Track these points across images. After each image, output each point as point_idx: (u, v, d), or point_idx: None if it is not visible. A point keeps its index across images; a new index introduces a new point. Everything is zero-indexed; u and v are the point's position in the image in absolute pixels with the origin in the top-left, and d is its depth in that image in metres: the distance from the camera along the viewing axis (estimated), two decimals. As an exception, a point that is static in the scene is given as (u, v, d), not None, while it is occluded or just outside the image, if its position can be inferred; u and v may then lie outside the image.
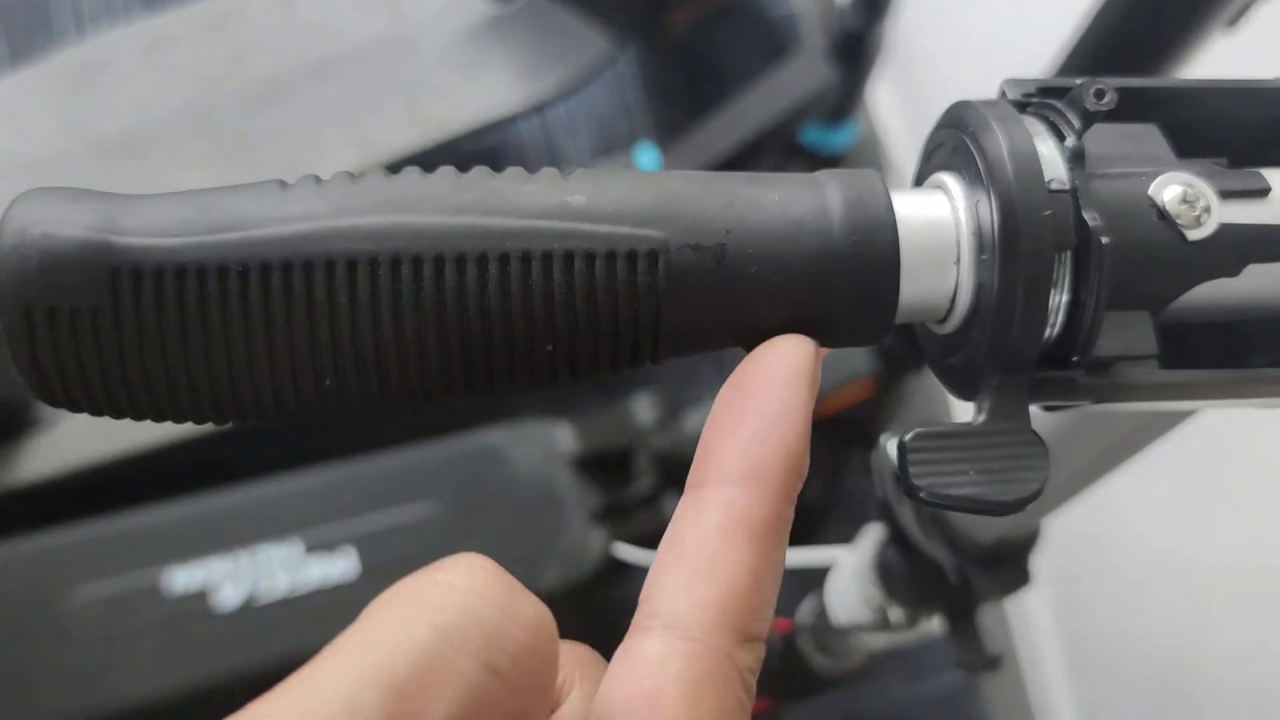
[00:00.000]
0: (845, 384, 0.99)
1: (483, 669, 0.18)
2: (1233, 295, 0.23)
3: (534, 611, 0.19)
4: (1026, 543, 0.48)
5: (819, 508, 1.13)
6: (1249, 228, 0.23)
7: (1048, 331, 0.23)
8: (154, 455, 0.93)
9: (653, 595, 0.21)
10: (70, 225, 0.21)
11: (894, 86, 1.30)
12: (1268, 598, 0.72)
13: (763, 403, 0.22)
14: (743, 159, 1.10)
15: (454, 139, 1.08)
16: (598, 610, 0.93)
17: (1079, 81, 0.23)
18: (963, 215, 0.23)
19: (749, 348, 0.23)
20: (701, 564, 0.21)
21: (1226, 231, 0.23)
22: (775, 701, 0.76)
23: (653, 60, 1.34)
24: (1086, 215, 0.22)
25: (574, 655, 0.22)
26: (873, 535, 0.55)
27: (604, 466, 0.94)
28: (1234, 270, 0.23)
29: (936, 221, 0.23)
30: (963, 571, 0.48)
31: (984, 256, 0.22)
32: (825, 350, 0.23)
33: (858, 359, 0.98)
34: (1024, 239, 0.22)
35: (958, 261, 0.23)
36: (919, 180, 0.26)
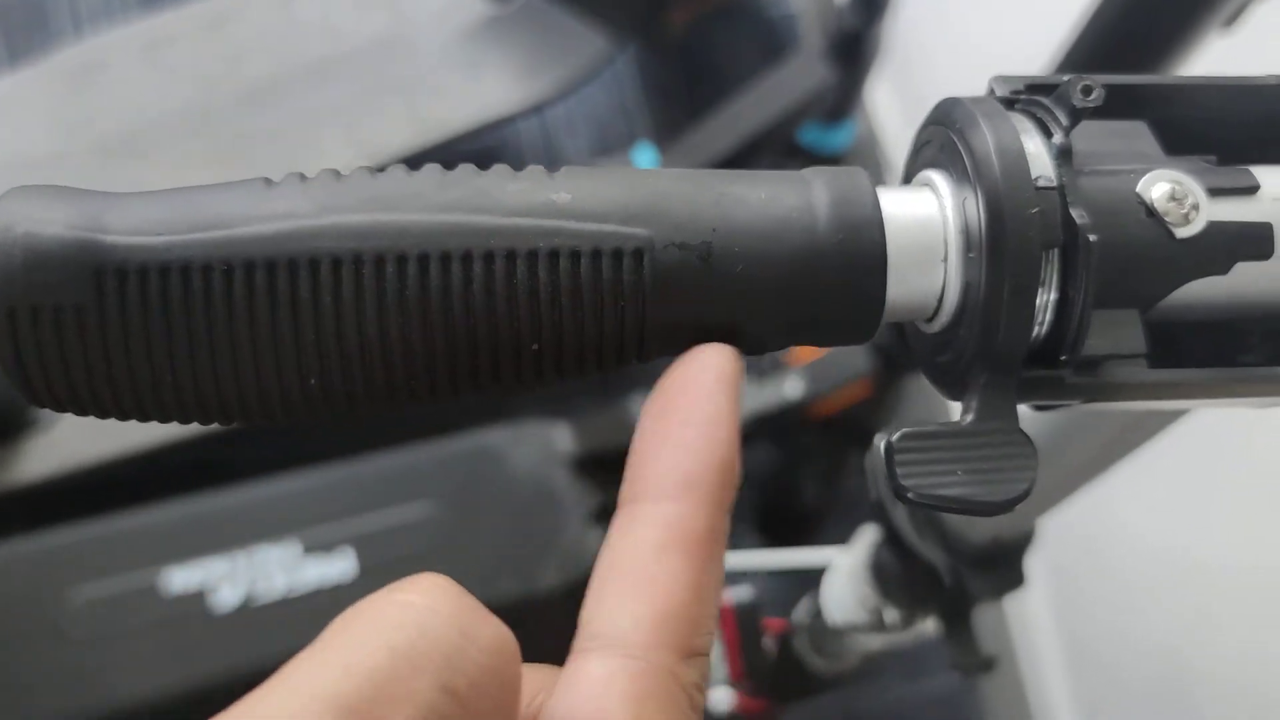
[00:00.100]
0: (843, 384, 0.99)
1: (439, 690, 0.17)
2: (1222, 293, 0.23)
3: (494, 633, 0.19)
4: (1021, 544, 0.48)
5: (817, 508, 1.13)
6: (1238, 225, 0.23)
7: (1035, 330, 0.22)
8: (151, 455, 0.93)
9: (592, 616, 0.21)
10: (54, 224, 0.20)
11: (892, 86, 1.30)
12: (1267, 597, 0.72)
13: (689, 414, 0.22)
14: (741, 159, 1.10)
15: (452, 139, 1.08)
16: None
17: (1066, 78, 0.23)
18: (950, 213, 0.23)
19: (737, 346, 0.23)
20: (638, 581, 0.20)
21: (1215, 229, 0.22)
22: (772, 702, 0.76)
23: (651, 60, 1.34)
24: (1074, 213, 0.22)
25: (545, 677, 0.22)
26: (868, 536, 0.55)
27: (602, 467, 0.94)
28: (1223, 268, 0.23)
29: (923, 219, 0.23)
30: (957, 572, 0.48)
31: (971, 254, 0.22)
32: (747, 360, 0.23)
33: (856, 359, 0.98)
34: (1011, 237, 0.21)
35: (945, 259, 0.23)
36: (907, 178, 0.26)
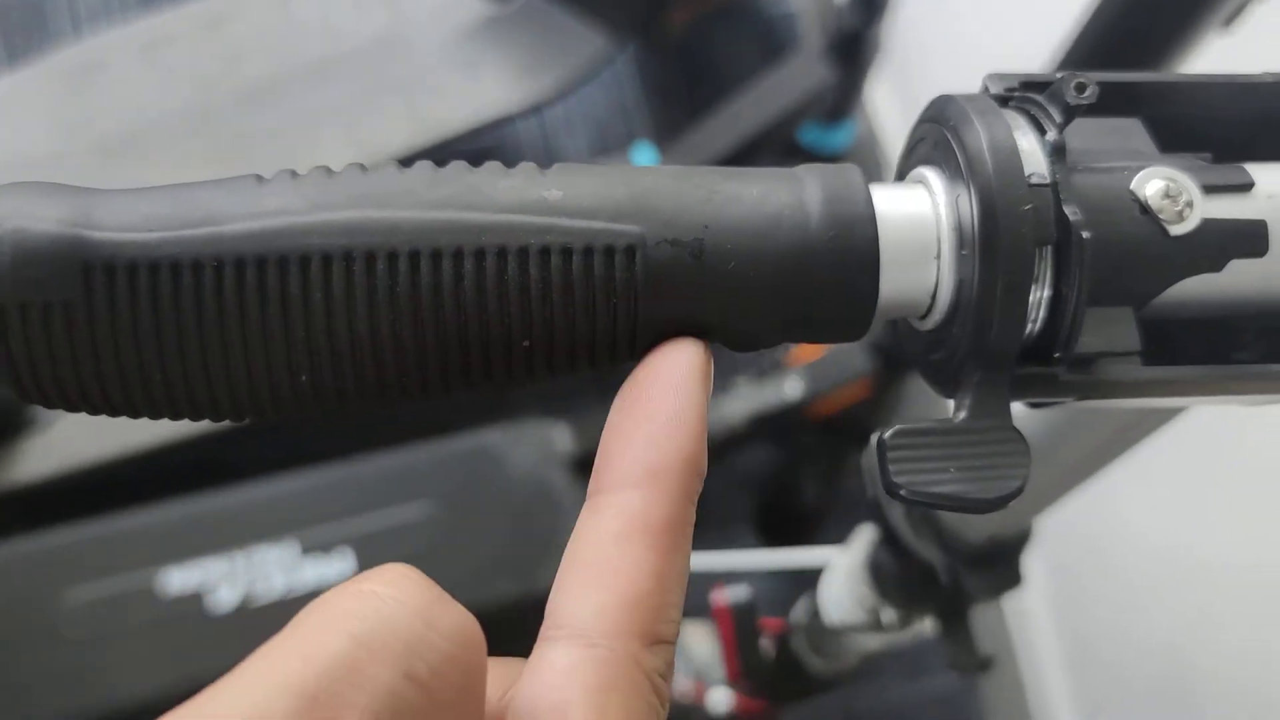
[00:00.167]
0: (843, 384, 0.99)
1: (401, 677, 0.17)
2: (1216, 291, 0.23)
3: (457, 621, 0.19)
4: (1018, 543, 0.48)
5: (817, 508, 1.13)
6: (1232, 223, 0.23)
7: (1029, 327, 0.22)
8: (149, 456, 0.93)
9: (556, 606, 0.21)
10: (43, 220, 0.20)
11: (892, 86, 1.30)
12: (1268, 595, 0.72)
13: (656, 407, 0.22)
14: (741, 159, 1.10)
15: (452, 139, 1.08)
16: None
17: (1060, 75, 0.23)
18: (943, 210, 0.23)
19: (728, 343, 0.23)
20: (600, 570, 0.20)
21: (1209, 226, 0.22)
22: (771, 702, 0.76)
23: (651, 60, 1.34)
24: (1067, 210, 0.22)
25: (518, 668, 0.22)
26: (865, 536, 0.55)
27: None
28: (1217, 265, 0.23)
29: (917, 216, 0.23)
30: (954, 572, 0.48)
31: (964, 252, 0.22)
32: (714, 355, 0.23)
33: (855, 359, 0.98)
34: (1004, 234, 0.21)
35: (938, 257, 0.23)
36: (900, 175, 0.26)
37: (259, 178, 0.22)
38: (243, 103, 1.08)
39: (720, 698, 0.77)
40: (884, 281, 0.23)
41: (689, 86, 1.33)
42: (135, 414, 0.22)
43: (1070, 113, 0.22)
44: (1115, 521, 0.88)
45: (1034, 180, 0.22)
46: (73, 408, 0.22)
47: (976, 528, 0.46)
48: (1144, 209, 0.22)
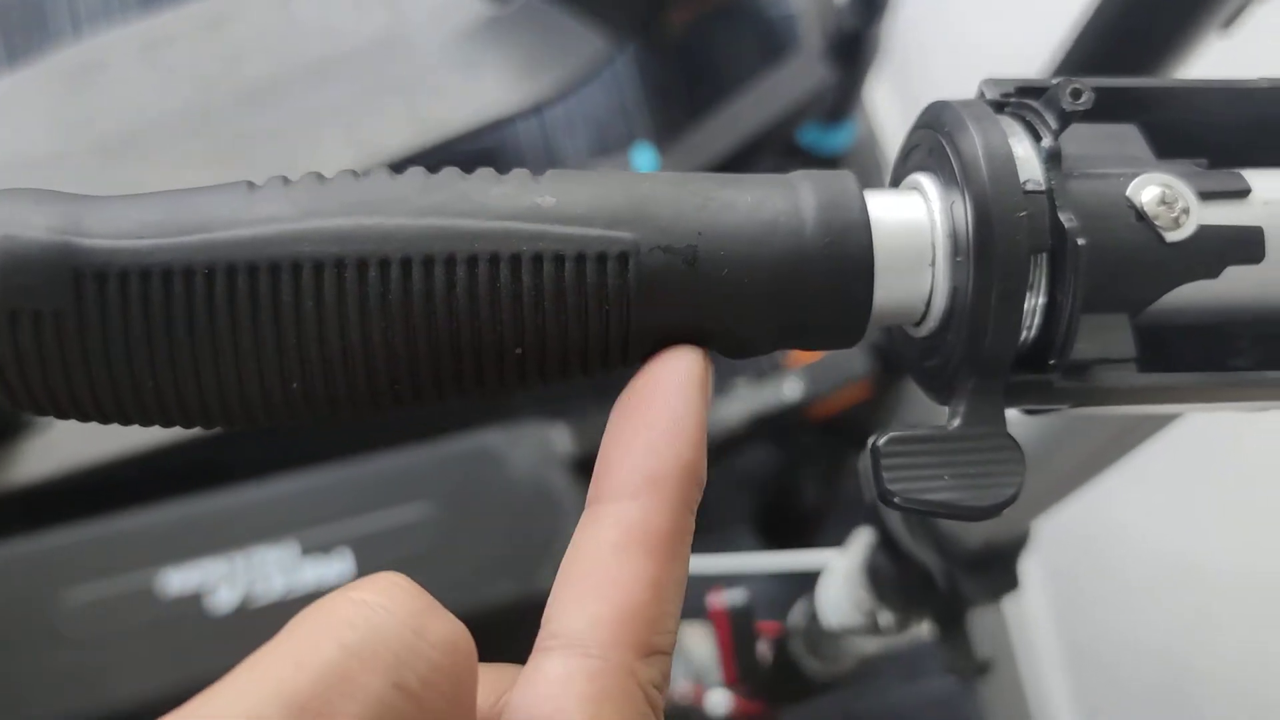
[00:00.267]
0: (842, 386, 0.99)
1: (391, 687, 0.17)
2: (1212, 297, 0.23)
3: (448, 631, 0.19)
4: (1015, 547, 0.48)
5: (817, 510, 1.12)
6: (1228, 229, 0.22)
7: (1024, 334, 0.22)
8: (149, 457, 0.93)
9: (552, 616, 0.21)
10: (33, 227, 0.20)
11: (892, 86, 1.30)
12: (1266, 598, 0.72)
13: (655, 415, 0.22)
14: (741, 159, 1.10)
15: (452, 139, 1.08)
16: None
17: (1056, 81, 0.23)
18: (938, 217, 0.23)
19: (722, 350, 0.23)
20: (597, 580, 0.20)
21: (1205, 233, 0.22)
22: (769, 705, 0.76)
23: (651, 60, 1.34)
24: (1063, 216, 0.22)
25: (511, 676, 0.22)
26: (863, 539, 0.55)
27: (600, 468, 0.94)
28: (1213, 272, 0.22)
29: (911, 223, 0.23)
30: (951, 576, 0.47)
31: (959, 258, 0.22)
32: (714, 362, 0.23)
33: (855, 361, 0.98)
34: (999, 241, 0.21)
35: (933, 264, 0.23)
36: (895, 181, 0.25)
37: (250, 184, 0.22)
38: (243, 103, 1.08)
39: (719, 700, 0.77)
40: (878, 288, 0.22)
41: (689, 87, 1.33)
42: (126, 421, 0.22)
43: (1066, 119, 0.22)
44: (1113, 525, 0.88)
45: (1029, 187, 0.22)
46: (63, 415, 0.22)
47: (974, 532, 0.46)
48: (1140, 215, 0.22)
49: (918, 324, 0.24)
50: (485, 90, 1.11)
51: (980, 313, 0.22)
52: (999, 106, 0.24)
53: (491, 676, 0.22)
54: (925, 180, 0.23)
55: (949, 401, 0.23)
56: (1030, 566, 0.49)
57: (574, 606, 0.20)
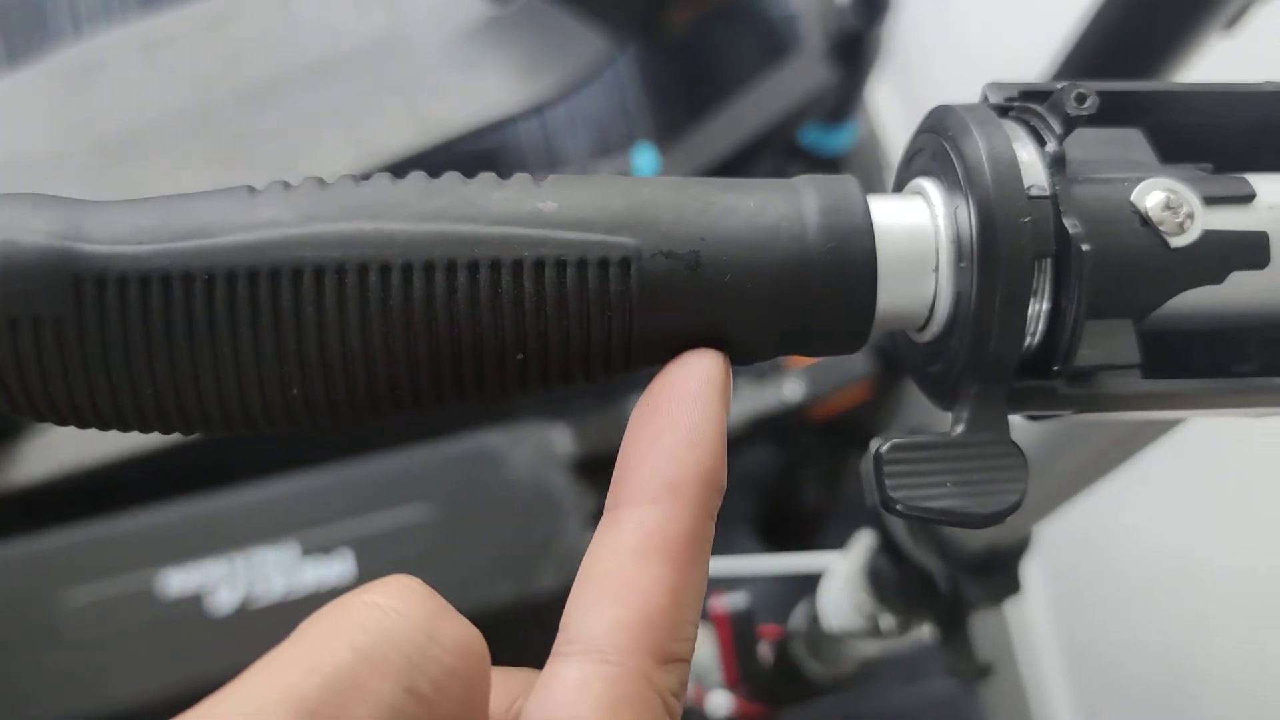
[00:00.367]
0: (844, 387, 0.98)
1: (402, 692, 0.17)
2: (1217, 303, 0.23)
3: (460, 635, 0.19)
4: (1017, 551, 0.48)
5: (818, 511, 1.12)
6: (1233, 234, 0.22)
7: (1028, 340, 0.22)
8: (149, 458, 0.93)
9: (570, 621, 0.20)
10: (33, 232, 0.20)
11: (894, 87, 1.30)
12: (1265, 599, 0.72)
13: (675, 419, 0.21)
14: (742, 160, 1.10)
15: (452, 140, 1.07)
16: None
17: (1060, 85, 0.22)
18: (941, 222, 0.23)
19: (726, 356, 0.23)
20: (616, 585, 0.20)
21: (1210, 238, 0.22)
22: (769, 707, 0.76)
23: (652, 61, 1.34)
24: (1067, 222, 0.21)
25: (525, 680, 0.22)
26: (864, 542, 0.55)
27: (601, 469, 0.94)
28: (1218, 278, 0.22)
29: (915, 228, 0.23)
30: (952, 579, 0.47)
31: (963, 264, 0.22)
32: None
33: (856, 362, 0.98)
34: (1003, 246, 0.21)
35: (936, 269, 0.23)
36: (898, 186, 0.25)
37: (251, 189, 0.22)
38: (243, 103, 1.08)
39: (720, 701, 0.77)
40: (882, 294, 0.22)
41: (690, 87, 1.33)
42: (125, 428, 0.22)
43: (1070, 123, 0.22)
44: (1113, 527, 0.88)
45: (1033, 192, 0.22)
46: (63, 421, 0.22)
47: (976, 536, 0.46)
48: (1144, 221, 0.22)
49: (921, 329, 0.24)
50: (486, 90, 1.11)
51: (984, 318, 0.21)
52: (1003, 111, 0.24)
53: (505, 681, 0.22)
54: (929, 185, 0.23)
55: (952, 407, 0.23)
56: (1031, 569, 0.49)
57: (592, 612, 0.20)
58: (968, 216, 0.22)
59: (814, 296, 0.22)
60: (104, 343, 0.20)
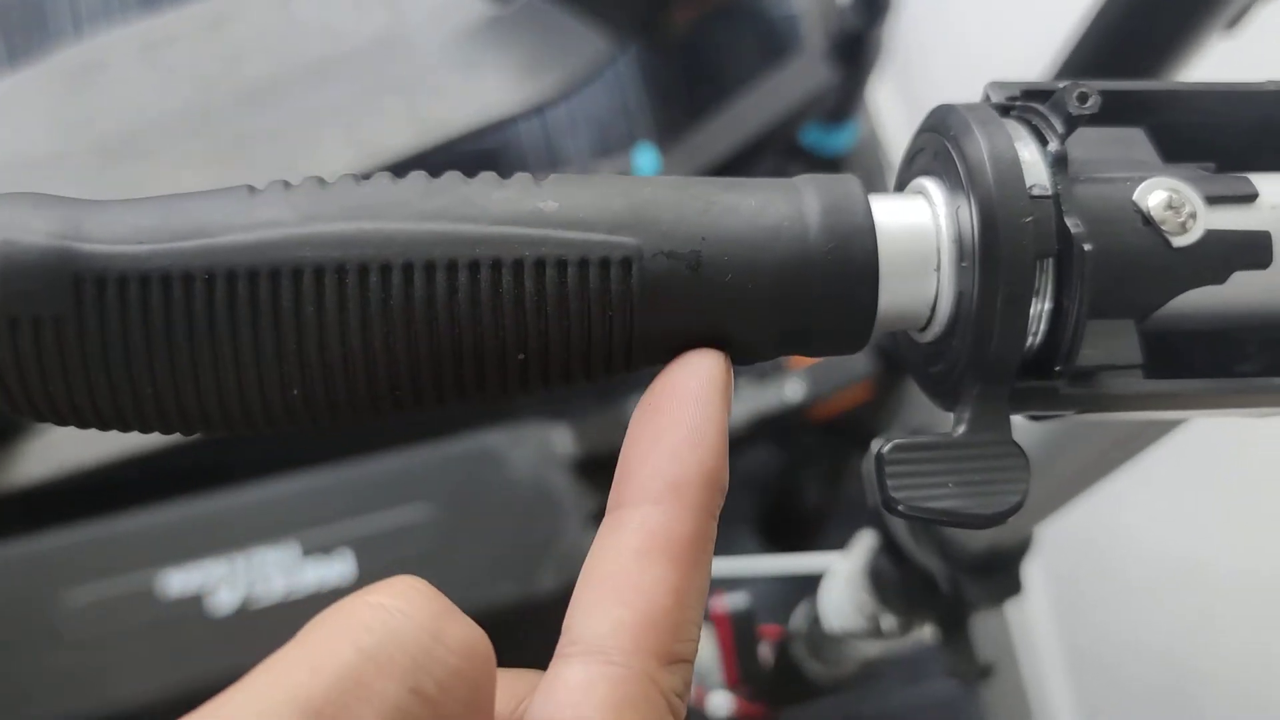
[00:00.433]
0: (845, 387, 0.98)
1: (408, 692, 0.17)
2: (1219, 303, 0.23)
3: (465, 636, 0.19)
4: (1018, 551, 0.48)
5: (819, 511, 1.12)
6: (1235, 234, 0.22)
7: (1029, 340, 0.22)
8: (149, 458, 0.93)
9: (574, 622, 0.20)
10: (33, 232, 0.20)
11: (894, 87, 1.30)
12: (1267, 599, 0.72)
13: (677, 419, 0.21)
14: (742, 160, 1.10)
15: (453, 140, 1.07)
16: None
17: (1062, 85, 0.22)
18: (943, 221, 0.23)
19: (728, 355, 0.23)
20: (619, 586, 0.20)
21: (1212, 238, 0.22)
22: (770, 707, 0.75)
23: (652, 61, 1.34)
24: (1069, 221, 0.21)
25: (530, 681, 0.22)
26: (865, 542, 0.55)
27: (601, 469, 0.94)
28: (1220, 278, 0.22)
29: (916, 228, 0.23)
30: (954, 579, 0.47)
31: (964, 264, 0.22)
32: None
33: (857, 362, 0.98)
34: (1004, 246, 0.21)
35: (938, 269, 0.22)
36: (900, 185, 0.25)
37: (251, 188, 0.22)
38: (243, 103, 1.08)
39: (720, 702, 0.76)
40: (883, 293, 0.22)
41: (691, 87, 1.33)
42: (125, 428, 0.22)
43: (1072, 123, 0.22)
44: (1115, 527, 0.88)
45: (1035, 192, 0.22)
46: (63, 422, 0.22)
47: (977, 536, 0.46)
48: (1146, 220, 0.22)
49: (922, 329, 0.24)
50: (486, 90, 1.11)
51: (986, 318, 0.21)
52: (1004, 110, 0.24)
53: (510, 682, 0.21)
54: (930, 184, 0.23)
55: (953, 407, 0.23)
56: (1032, 570, 0.49)
57: (595, 613, 0.20)
58: (969, 216, 0.22)
59: (815, 296, 0.22)
60: (104, 343, 0.20)
